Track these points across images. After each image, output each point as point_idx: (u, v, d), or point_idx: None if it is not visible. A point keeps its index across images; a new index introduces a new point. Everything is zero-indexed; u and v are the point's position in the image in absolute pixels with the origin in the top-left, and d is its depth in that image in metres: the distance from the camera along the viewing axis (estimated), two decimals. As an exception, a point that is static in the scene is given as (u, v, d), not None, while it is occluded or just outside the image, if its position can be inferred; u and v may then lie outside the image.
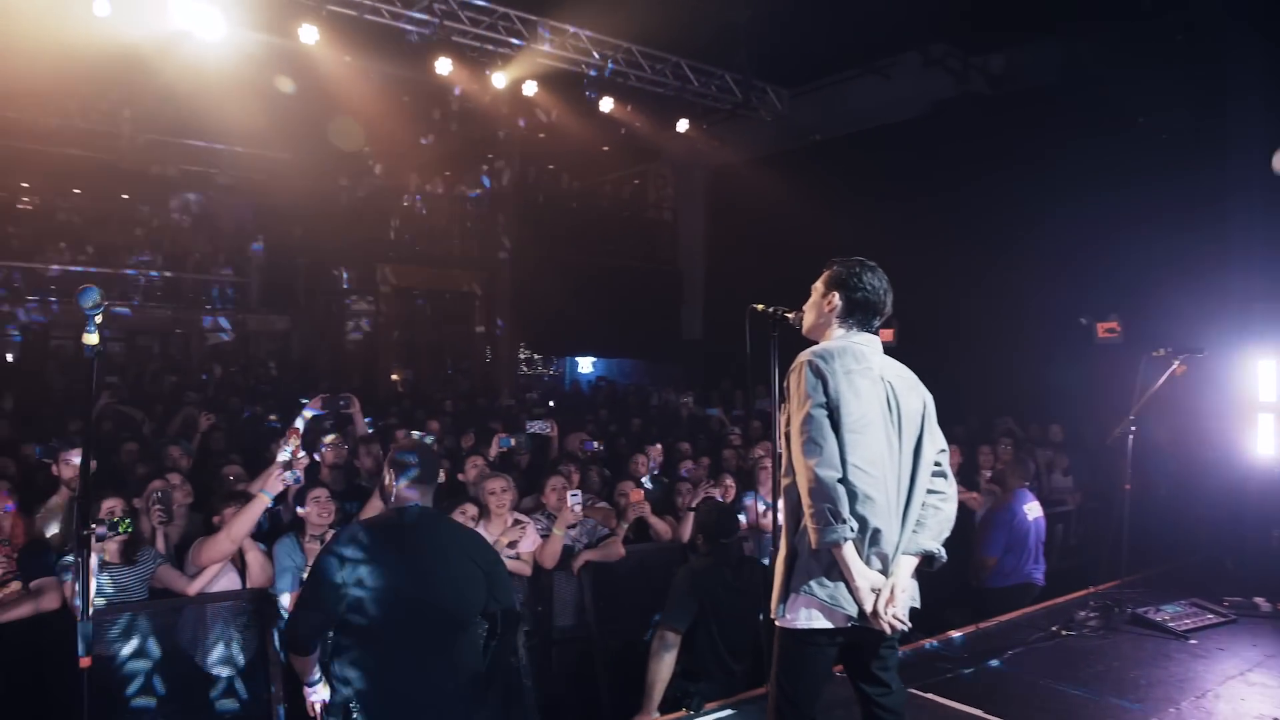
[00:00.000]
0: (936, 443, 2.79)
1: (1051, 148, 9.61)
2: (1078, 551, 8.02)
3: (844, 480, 2.55)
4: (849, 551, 2.56)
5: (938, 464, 2.80)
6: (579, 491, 4.90)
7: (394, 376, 18.09)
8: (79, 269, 16.31)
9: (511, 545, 4.86)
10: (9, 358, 16.15)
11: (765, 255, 12.94)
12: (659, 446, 6.86)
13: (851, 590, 2.60)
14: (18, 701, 3.78)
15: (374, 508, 4.22)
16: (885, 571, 2.64)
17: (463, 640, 3.14)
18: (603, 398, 13.64)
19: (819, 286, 2.89)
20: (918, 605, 2.75)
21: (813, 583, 2.62)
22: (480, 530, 4.87)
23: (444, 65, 10.17)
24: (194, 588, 4.03)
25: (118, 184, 17.21)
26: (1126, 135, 9.01)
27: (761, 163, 13.82)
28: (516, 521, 4.96)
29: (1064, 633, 4.89)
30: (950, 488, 2.81)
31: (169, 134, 15.83)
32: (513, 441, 6.00)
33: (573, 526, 5.08)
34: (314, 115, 14.28)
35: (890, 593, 2.61)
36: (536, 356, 18.87)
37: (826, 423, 2.58)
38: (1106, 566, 5.67)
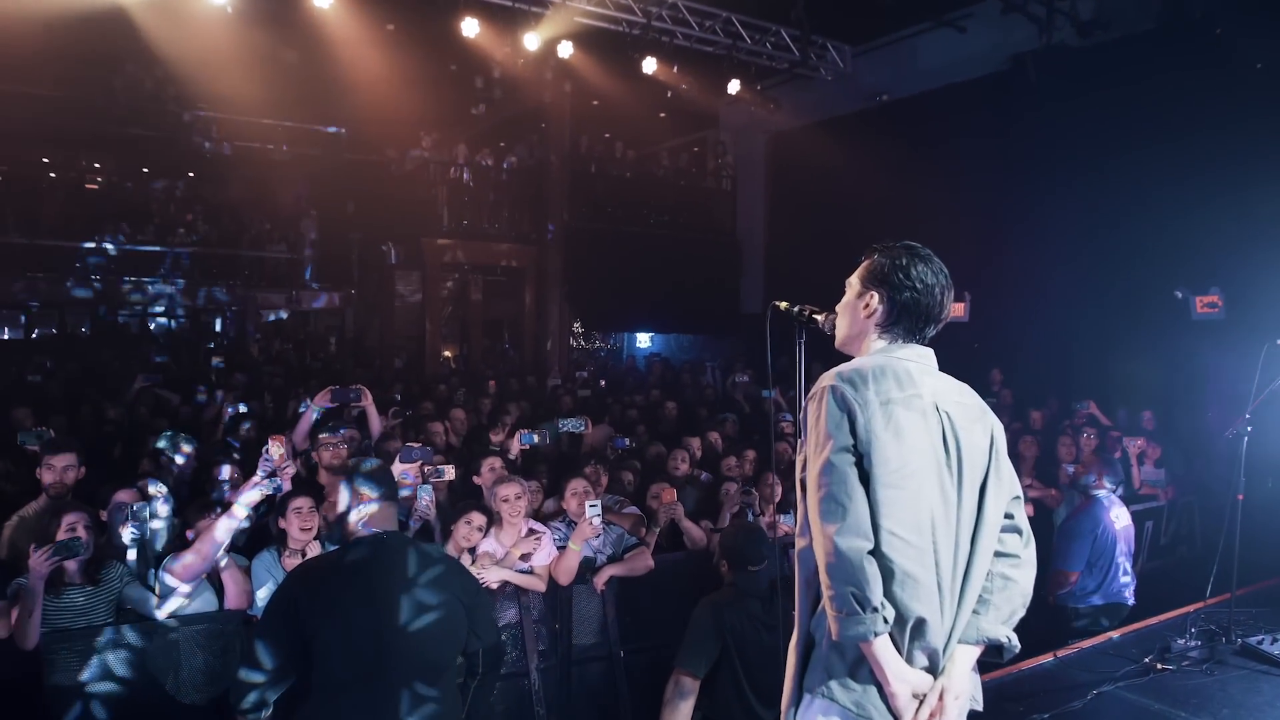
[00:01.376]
0: (1006, 488, 2.11)
1: (1148, 102, 8.66)
2: (1169, 551, 7.28)
3: (876, 552, 1.91)
4: (882, 647, 1.92)
5: (1009, 516, 2.13)
6: (599, 502, 4.37)
7: (445, 354, 17.96)
8: (144, 248, 16.49)
9: (524, 557, 4.39)
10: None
11: (829, 225, 12.30)
12: (697, 440, 6.29)
13: (885, 697, 1.97)
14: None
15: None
16: (934, 669, 1.99)
17: (437, 686, 2.71)
18: (656, 376, 13.11)
19: (854, 283, 2.22)
20: (979, 707, 2.12)
21: (834, 684, 1.99)
22: (491, 540, 4.42)
23: (470, 26, 9.61)
24: (164, 610, 3.65)
25: (174, 161, 17.29)
26: (1239, 85, 7.99)
27: (824, 126, 13.06)
28: (531, 531, 4.48)
29: (1160, 666, 4.21)
30: (1027, 549, 2.15)
31: (222, 110, 15.73)
32: (536, 438, 5.50)
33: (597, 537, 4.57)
34: (363, 87, 13.99)
35: (939, 698, 1.97)
36: (591, 333, 18.45)
37: (853, 473, 1.92)
38: (1212, 580, 4.92)
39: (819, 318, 2.37)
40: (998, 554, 2.09)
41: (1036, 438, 7.21)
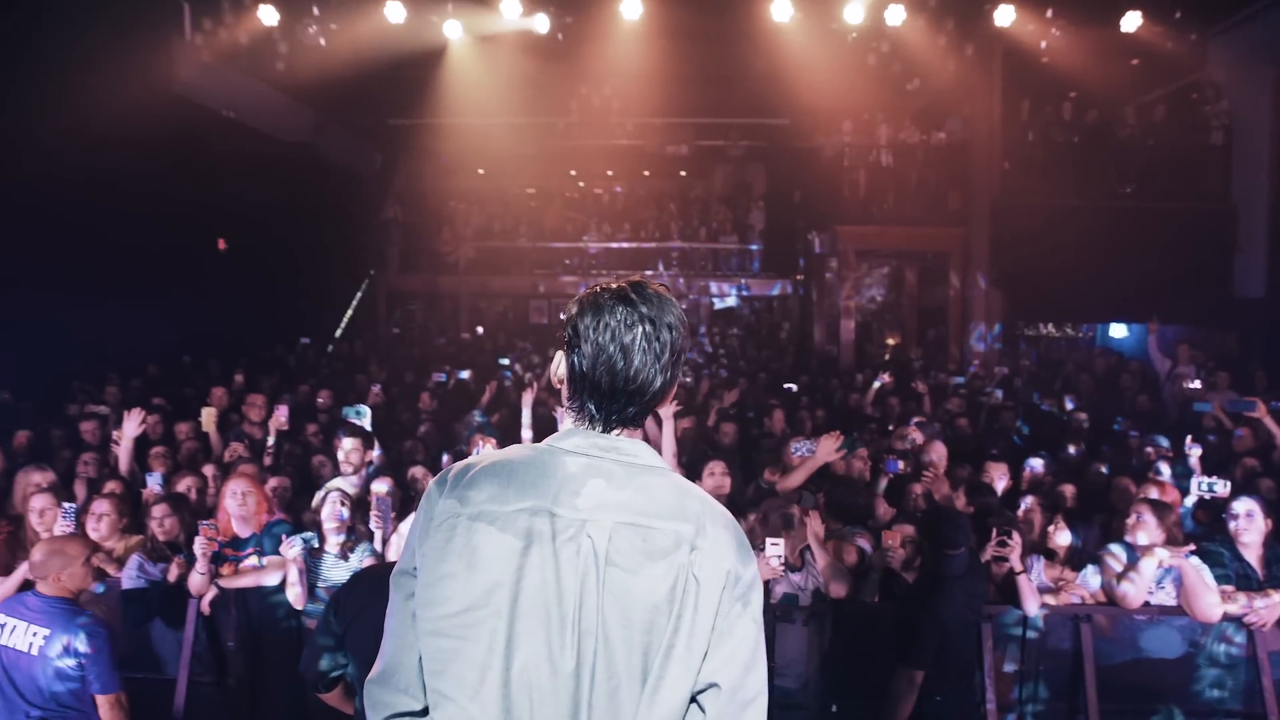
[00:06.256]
0: (694, 664, 1.42)
1: None
2: None
3: (421, 715, 1.51)
4: None
5: (698, 709, 1.46)
6: (780, 540, 3.95)
7: (889, 341, 17.55)
8: (617, 245, 18.91)
9: None
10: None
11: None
12: (1002, 467, 5.26)
13: None
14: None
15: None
16: None
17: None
18: (1100, 372, 11.22)
19: None
20: None
21: None
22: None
23: (896, 14, 9.17)
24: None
25: (641, 165, 19.47)
26: None
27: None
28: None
29: None
30: None
31: (679, 115, 17.23)
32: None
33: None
34: (805, 77, 14.19)
35: None
36: (1063, 324, 16.33)
37: (406, 608, 1.52)
38: None
39: None
40: None
41: None
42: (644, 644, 1.42)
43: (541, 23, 9.88)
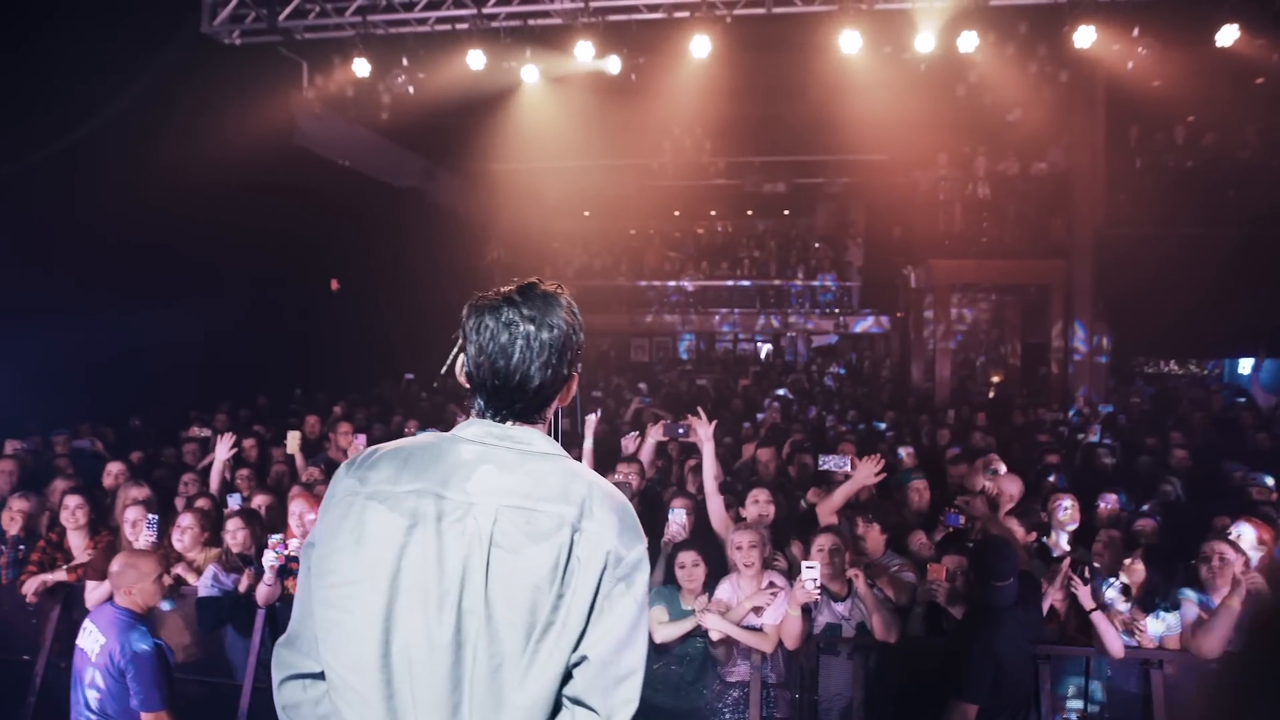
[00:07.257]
0: (569, 639, 1.47)
1: None
2: None
3: (320, 678, 1.57)
4: None
5: (570, 680, 1.49)
6: (816, 564, 3.86)
7: (994, 380, 16.94)
8: (715, 283, 18.97)
9: (756, 611, 4.11)
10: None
11: None
12: (1069, 498, 4.99)
13: None
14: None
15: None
16: None
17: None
18: (1216, 408, 10.47)
19: None
20: None
21: None
22: (729, 586, 4.24)
23: (969, 40, 8.92)
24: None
25: (743, 204, 19.46)
26: None
27: None
28: (770, 584, 4.17)
29: None
30: None
31: (773, 153, 17.22)
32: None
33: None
34: (894, 111, 13.98)
35: None
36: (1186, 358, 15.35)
37: (309, 577, 1.60)
38: None
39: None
40: None
41: None
42: (527, 623, 1.46)
43: (614, 64, 10.10)
